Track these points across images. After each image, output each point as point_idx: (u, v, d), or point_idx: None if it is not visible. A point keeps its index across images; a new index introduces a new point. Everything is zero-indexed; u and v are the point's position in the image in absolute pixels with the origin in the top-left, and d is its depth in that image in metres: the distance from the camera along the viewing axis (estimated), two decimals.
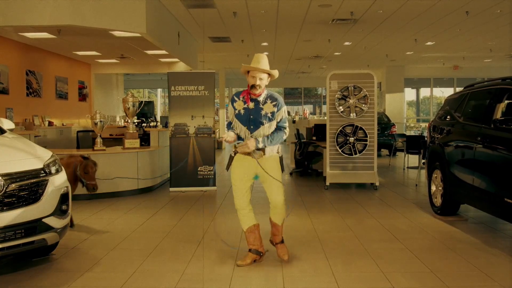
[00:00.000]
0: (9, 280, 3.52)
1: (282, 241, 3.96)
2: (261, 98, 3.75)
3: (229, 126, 3.89)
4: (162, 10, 8.78)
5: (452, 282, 3.42)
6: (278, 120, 3.78)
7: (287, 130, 3.82)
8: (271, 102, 3.76)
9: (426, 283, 3.42)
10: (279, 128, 3.80)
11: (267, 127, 3.74)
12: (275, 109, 3.75)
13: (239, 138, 3.79)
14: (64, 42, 10.31)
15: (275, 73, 3.77)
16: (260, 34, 11.62)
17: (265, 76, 3.71)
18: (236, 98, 3.84)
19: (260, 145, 3.67)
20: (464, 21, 10.03)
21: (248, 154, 3.72)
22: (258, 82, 3.67)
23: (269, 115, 3.74)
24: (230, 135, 3.71)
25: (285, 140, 3.69)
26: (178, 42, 10.25)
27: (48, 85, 12.01)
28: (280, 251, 3.92)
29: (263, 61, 3.71)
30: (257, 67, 3.67)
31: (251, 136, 3.72)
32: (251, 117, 3.72)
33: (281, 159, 3.87)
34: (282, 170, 3.87)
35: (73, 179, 5.01)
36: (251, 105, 3.74)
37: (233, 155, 3.81)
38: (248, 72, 3.74)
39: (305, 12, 9.30)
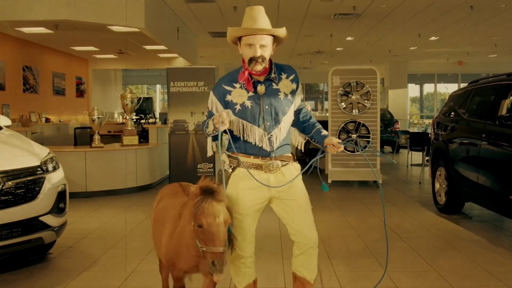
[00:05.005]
0: (5, 279, 3.47)
1: None
2: (272, 75, 2.40)
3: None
4: (161, 4, 8.69)
5: (457, 281, 3.35)
6: (298, 102, 2.49)
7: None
8: (287, 77, 2.44)
9: (430, 283, 3.36)
10: (306, 115, 2.52)
11: (287, 118, 2.43)
12: (294, 86, 2.45)
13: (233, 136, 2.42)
14: (62, 37, 10.21)
15: (283, 32, 2.35)
16: None
17: (269, 40, 2.31)
18: (227, 87, 2.40)
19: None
20: (468, 16, 9.93)
21: (260, 167, 2.37)
22: (259, 53, 2.28)
23: (290, 97, 2.43)
24: (223, 116, 2.26)
25: None
26: (178, 37, 10.16)
27: (45, 81, 11.92)
28: None
29: (260, 17, 2.30)
30: (253, 28, 2.28)
31: (270, 137, 2.37)
32: (266, 107, 2.37)
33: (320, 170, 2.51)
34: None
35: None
36: (261, 89, 2.37)
37: (230, 170, 2.41)
38: (240, 39, 2.34)
39: (306, 6, 9.20)
